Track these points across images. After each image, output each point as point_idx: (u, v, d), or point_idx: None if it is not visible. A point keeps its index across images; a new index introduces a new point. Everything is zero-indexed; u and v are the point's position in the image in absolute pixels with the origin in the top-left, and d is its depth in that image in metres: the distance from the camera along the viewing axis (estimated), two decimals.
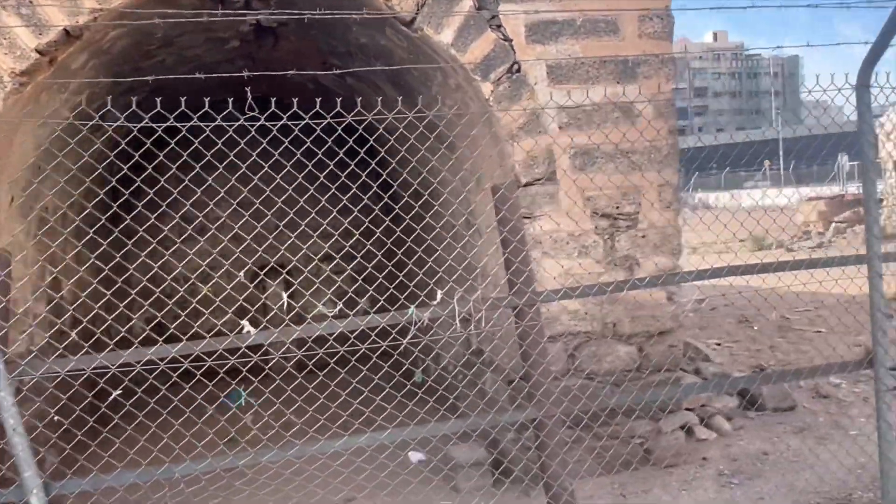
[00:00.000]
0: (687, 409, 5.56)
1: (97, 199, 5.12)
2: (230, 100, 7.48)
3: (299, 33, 5.60)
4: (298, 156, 4.90)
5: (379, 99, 5.99)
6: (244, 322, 2.78)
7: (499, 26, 4.56)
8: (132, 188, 5.19)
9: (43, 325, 5.13)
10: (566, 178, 4.65)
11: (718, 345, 8.27)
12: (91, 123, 4.40)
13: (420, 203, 5.98)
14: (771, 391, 5.99)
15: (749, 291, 4.87)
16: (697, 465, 4.96)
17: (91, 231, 5.95)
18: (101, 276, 4.04)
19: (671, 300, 4.90)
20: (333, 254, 8.64)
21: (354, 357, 4.16)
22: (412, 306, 3.00)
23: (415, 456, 5.57)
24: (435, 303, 3.09)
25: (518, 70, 4.58)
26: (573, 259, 4.70)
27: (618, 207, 4.76)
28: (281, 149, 4.87)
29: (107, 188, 6.63)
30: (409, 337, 3.29)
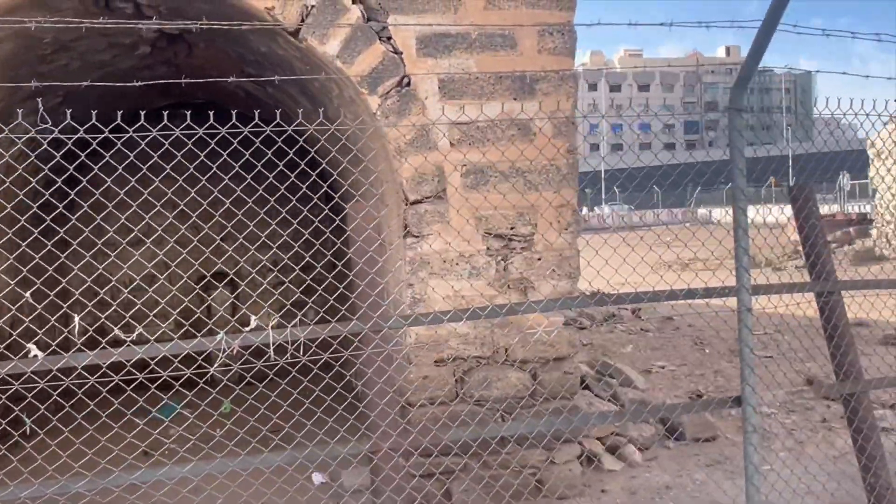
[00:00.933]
0: (596, 438, 5.37)
1: (20, 201, 5.02)
2: (188, 113, 7.48)
3: (206, 41, 5.48)
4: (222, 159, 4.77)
5: (298, 110, 5.86)
6: (30, 345, 2.63)
7: (389, 38, 4.41)
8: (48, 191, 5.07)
9: None
10: (457, 197, 4.49)
11: (662, 367, 8.06)
12: None
13: (324, 216, 5.84)
14: (692, 420, 5.78)
15: (725, 311, 4.74)
16: (594, 498, 4.77)
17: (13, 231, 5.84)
18: (20, 278, 3.92)
19: (568, 325, 4.72)
20: (287, 264, 8.51)
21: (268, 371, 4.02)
22: (221, 332, 2.84)
23: (317, 478, 5.42)
24: (248, 329, 2.93)
25: (408, 84, 4.43)
26: (463, 280, 4.53)
27: (512, 228, 4.59)
28: (200, 153, 4.78)
29: (28, 190, 6.52)
30: (242, 362, 3.13)
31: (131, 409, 4.85)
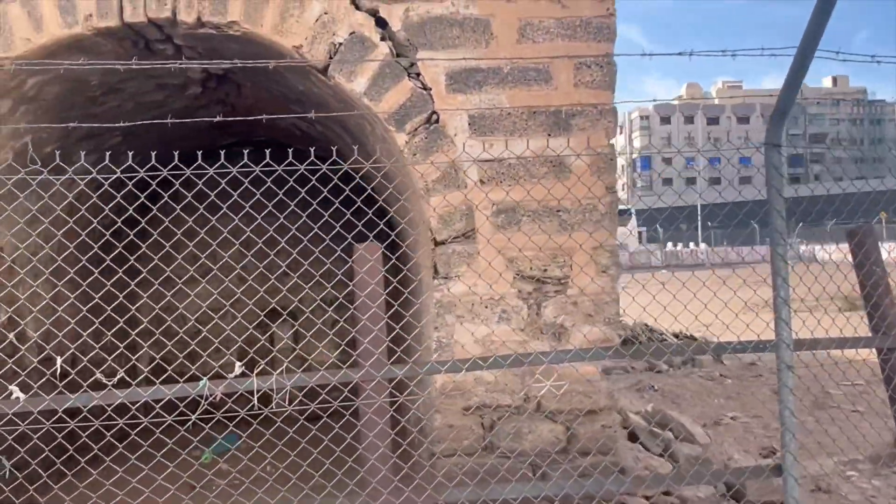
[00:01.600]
0: (644, 497, 4.98)
1: (81, 241, 5.20)
2: (245, 151, 7.69)
3: (251, 81, 5.54)
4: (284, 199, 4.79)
5: (344, 147, 5.84)
6: (12, 387, 2.60)
7: (417, 74, 4.30)
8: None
9: None
10: (487, 237, 4.30)
11: (734, 419, 7.49)
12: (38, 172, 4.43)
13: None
14: (756, 481, 5.28)
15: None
16: None
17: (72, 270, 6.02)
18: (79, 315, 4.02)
19: (605, 375, 4.41)
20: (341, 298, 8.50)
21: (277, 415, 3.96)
22: (205, 378, 2.75)
23: None
24: (232, 376, 2.81)
25: (436, 120, 4.30)
26: (492, 325, 4.31)
27: (545, 270, 4.34)
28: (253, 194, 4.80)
29: (90, 229, 6.73)
30: (249, 407, 3.02)
31: (183, 447, 4.85)
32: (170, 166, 6.15)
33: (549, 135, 4.35)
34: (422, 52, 4.29)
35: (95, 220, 4.36)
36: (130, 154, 6.13)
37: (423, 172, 4.28)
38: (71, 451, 3.70)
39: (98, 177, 4.79)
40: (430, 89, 4.30)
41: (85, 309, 5.23)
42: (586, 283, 4.33)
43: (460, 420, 4.31)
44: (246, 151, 6.35)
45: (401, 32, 4.29)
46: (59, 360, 2.73)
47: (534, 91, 4.34)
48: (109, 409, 5.23)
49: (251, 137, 7.74)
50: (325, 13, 4.24)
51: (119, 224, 4.54)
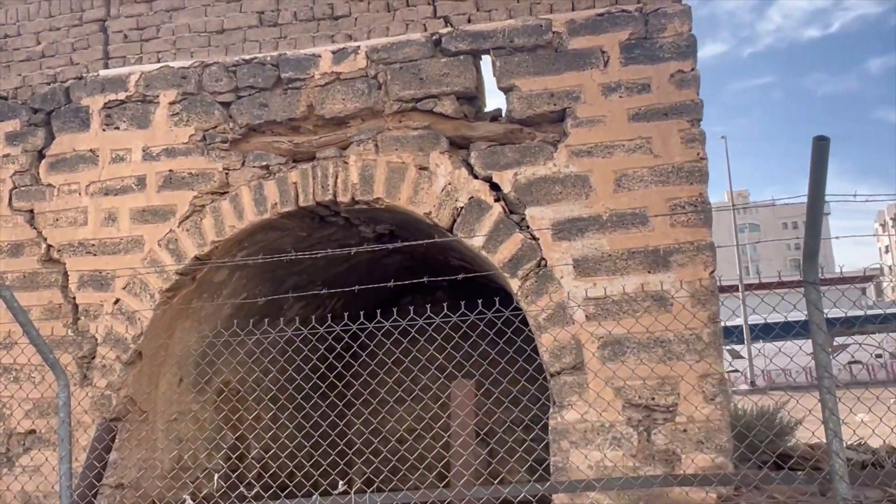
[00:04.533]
0: None
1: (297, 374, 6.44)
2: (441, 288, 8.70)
3: (412, 235, 6.53)
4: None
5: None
6: (186, 496, 3.55)
7: (527, 227, 4.97)
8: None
9: (210, 476, 6.43)
10: (595, 367, 4.71)
11: None
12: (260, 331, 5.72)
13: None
14: None
15: None
16: None
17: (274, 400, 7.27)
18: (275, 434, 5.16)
19: (725, 502, 4.48)
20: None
21: None
22: (315, 493, 3.50)
23: None
24: (336, 492, 3.53)
25: (544, 265, 4.89)
26: (603, 451, 4.64)
27: (653, 398, 4.62)
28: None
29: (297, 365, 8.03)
30: None
31: None
32: (357, 323, 7.21)
33: (649, 272, 4.73)
34: (530, 208, 4.97)
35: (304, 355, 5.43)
36: (329, 297, 7.30)
37: (534, 312, 4.85)
38: None
39: (306, 332, 5.89)
40: (538, 239, 4.93)
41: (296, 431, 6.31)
42: (695, 410, 4.53)
43: None
44: (441, 284, 7.19)
45: (511, 193, 5.02)
46: (215, 477, 3.65)
47: (631, 233, 4.79)
48: None
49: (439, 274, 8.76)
50: (449, 184, 5.11)
51: (338, 351, 5.62)
